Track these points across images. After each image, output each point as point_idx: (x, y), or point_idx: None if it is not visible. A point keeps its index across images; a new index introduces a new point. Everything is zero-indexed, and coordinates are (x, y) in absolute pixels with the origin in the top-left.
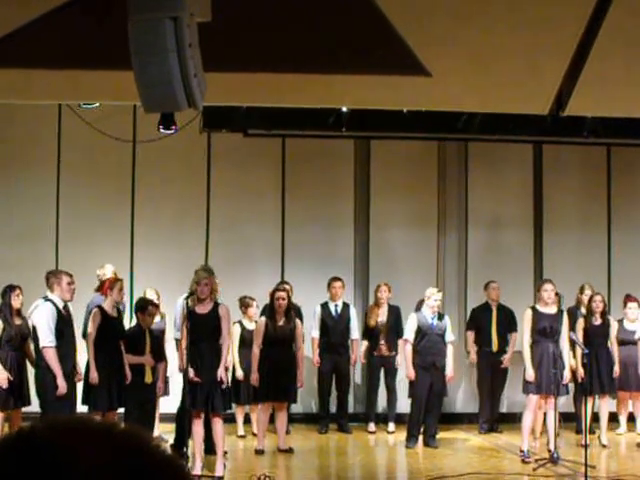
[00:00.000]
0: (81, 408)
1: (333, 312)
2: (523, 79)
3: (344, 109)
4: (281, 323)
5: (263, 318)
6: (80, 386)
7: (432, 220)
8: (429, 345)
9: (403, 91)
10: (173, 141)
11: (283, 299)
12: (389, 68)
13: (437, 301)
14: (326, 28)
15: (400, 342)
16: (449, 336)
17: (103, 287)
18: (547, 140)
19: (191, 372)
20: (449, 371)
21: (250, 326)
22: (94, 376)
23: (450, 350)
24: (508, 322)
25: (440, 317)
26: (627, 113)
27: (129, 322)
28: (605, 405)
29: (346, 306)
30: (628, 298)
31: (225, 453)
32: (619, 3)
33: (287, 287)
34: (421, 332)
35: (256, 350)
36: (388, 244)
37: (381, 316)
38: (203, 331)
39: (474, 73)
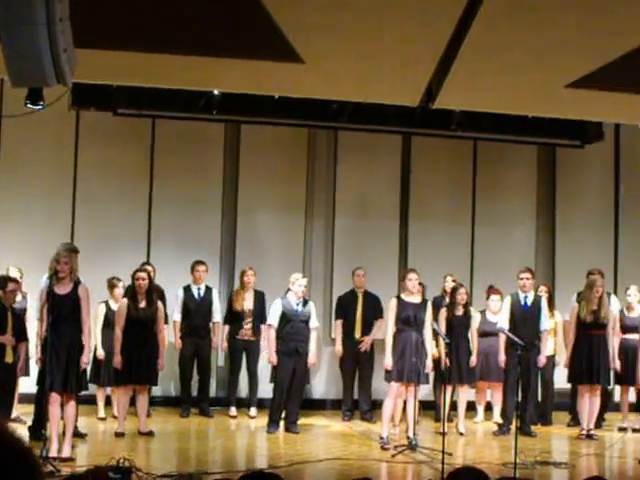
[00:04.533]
0: None
1: (196, 295)
2: (395, 71)
3: (215, 92)
4: (142, 305)
5: (125, 300)
6: None
7: (300, 206)
8: (293, 331)
9: (275, 77)
10: (41, 117)
11: (143, 279)
12: (262, 54)
13: (301, 287)
14: (201, 11)
15: (264, 327)
16: (313, 322)
17: None
18: (416, 132)
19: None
20: (311, 357)
21: (115, 307)
22: None
23: (313, 336)
24: (374, 309)
25: (305, 303)
26: (493, 109)
27: None
28: (463, 394)
29: (209, 289)
30: (491, 290)
31: (85, 435)
32: (490, 2)
33: (149, 268)
34: (285, 318)
35: (118, 332)
36: (255, 229)
37: (247, 300)
38: (63, 312)
39: (347, 63)
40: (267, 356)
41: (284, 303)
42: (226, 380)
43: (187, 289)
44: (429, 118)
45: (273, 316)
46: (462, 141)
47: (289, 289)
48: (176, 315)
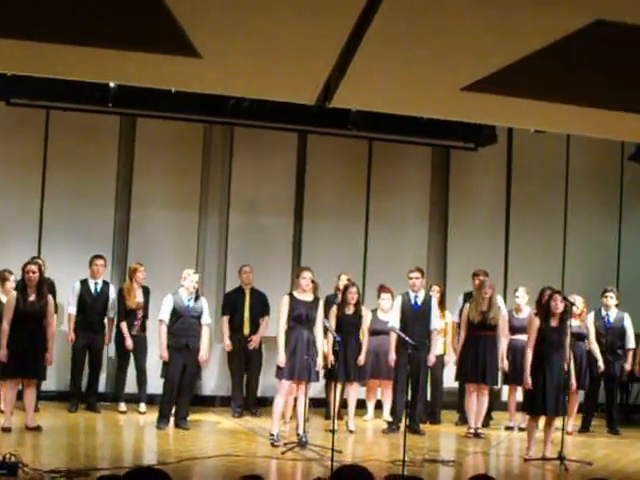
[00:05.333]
0: None
1: (92, 290)
2: (293, 68)
3: (111, 85)
4: (32, 298)
5: (14, 293)
6: None
7: (194, 202)
8: (184, 327)
9: (172, 71)
10: None
11: (33, 272)
12: (159, 47)
13: (193, 282)
14: (97, 2)
15: (149, 322)
16: (205, 319)
17: None
18: (312, 130)
19: None
20: (203, 353)
21: (6, 300)
22: None
23: (206, 332)
24: (261, 306)
25: (196, 299)
26: (389, 109)
27: None
28: (353, 392)
29: (106, 284)
30: (382, 289)
31: None
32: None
33: (39, 261)
34: (176, 313)
35: (5, 325)
36: (149, 224)
37: (138, 297)
38: None
39: (245, 58)
40: (157, 351)
41: (175, 299)
42: (115, 375)
43: (84, 283)
44: (325, 117)
45: (164, 312)
46: (358, 140)
47: (182, 285)
48: (71, 308)
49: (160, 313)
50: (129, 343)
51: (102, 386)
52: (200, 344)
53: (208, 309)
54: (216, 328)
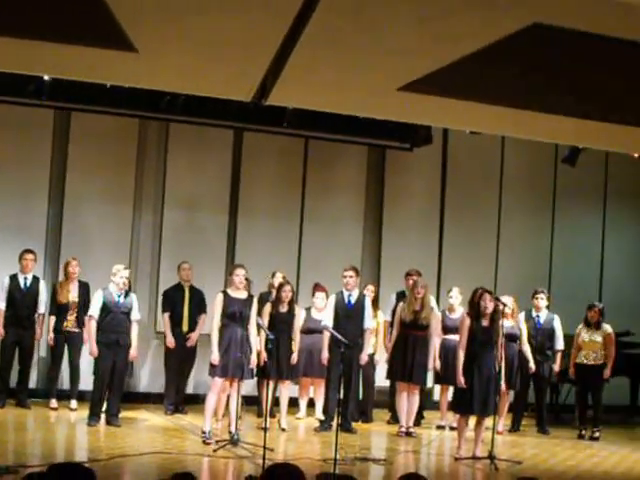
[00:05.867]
0: None
1: (22, 285)
2: (229, 65)
3: (46, 78)
4: None
5: None
6: None
7: (129, 198)
8: (114, 323)
9: (107, 65)
10: None
11: None
12: (94, 40)
13: (123, 278)
14: None
15: (86, 318)
16: (135, 315)
17: None
18: (248, 127)
19: None
20: (133, 350)
21: None
22: None
23: (135, 328)
24: (199, 303)
25: (126, 295)
26: (326, 108)
27: None
28: (285, 390)
29: (36, 279)
30: (317, 288)
31: None
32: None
33: None
34: (106, 309)
35: None
36: (82, 219)
37: (72, 292)
38: None
39: (181, 54)
40: (88, 348)
41: (105, 294)
42: (47, 371)
43: (13, 278)
44: (261, 114)
45: (94, 307)
46: (294, 138)
47: (112, 280)
48: (0, 303)
49: (90, 309)
50: (50, 337)
51: (33, 382)
52: (130, 340)
53: (138, 305)
54: (149, 325)
